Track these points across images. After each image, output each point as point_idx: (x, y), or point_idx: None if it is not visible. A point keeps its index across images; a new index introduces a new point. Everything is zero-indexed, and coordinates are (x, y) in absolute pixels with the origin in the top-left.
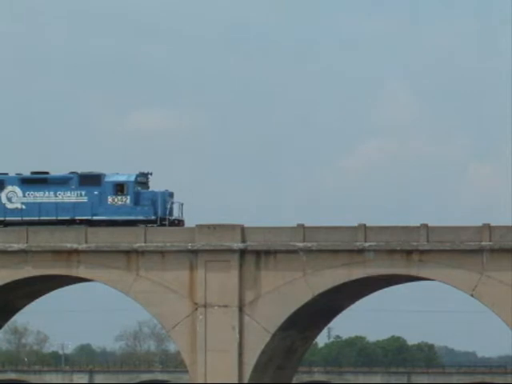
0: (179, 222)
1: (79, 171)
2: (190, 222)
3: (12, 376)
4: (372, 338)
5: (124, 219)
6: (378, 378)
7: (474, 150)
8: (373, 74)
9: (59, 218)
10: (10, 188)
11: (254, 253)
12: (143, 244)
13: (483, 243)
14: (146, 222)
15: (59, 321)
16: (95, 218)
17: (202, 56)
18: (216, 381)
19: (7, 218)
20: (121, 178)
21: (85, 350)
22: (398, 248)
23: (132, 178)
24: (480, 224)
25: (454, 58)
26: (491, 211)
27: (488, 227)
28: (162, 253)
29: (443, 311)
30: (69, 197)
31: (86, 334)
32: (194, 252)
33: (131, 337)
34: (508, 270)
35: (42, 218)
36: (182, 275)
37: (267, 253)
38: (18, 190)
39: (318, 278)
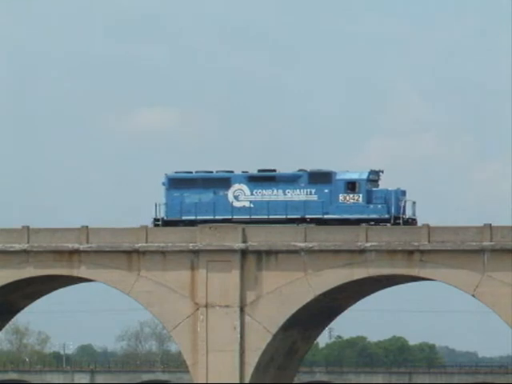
0: (413, 221)
1: (308, 169)
2: None
3: (13, 376)
4: (373, 338)
5: (356, 218)
6: (379, 378)
7: (475, 150)
8: (376, 74)
9: (289, 216)
10: (236, 186)
11: (255, 253)
12: (144, 244)
13: (484, 243)
14: (380, 221)
15: (60, 321)
16: (326, 216)
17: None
18: (217, 381)
19: (234, 217)
20: (353, 176)
21: (86, 350)
22: (400, 248)
23: (364, 176)
24: (481, 224)
25: (458, 58)
26: (492, 211)
27: (489, 227)
28: (163, 253)
29: (444, 311)
30: (298, 195)
31: (87, 334)
32: (196, 252)
33: (132, 337)
34: (509, 271)
35: (271, 216)
36: (184, 275)
37: (268, 253)
38: (245, 188)
39: (320, 278)
